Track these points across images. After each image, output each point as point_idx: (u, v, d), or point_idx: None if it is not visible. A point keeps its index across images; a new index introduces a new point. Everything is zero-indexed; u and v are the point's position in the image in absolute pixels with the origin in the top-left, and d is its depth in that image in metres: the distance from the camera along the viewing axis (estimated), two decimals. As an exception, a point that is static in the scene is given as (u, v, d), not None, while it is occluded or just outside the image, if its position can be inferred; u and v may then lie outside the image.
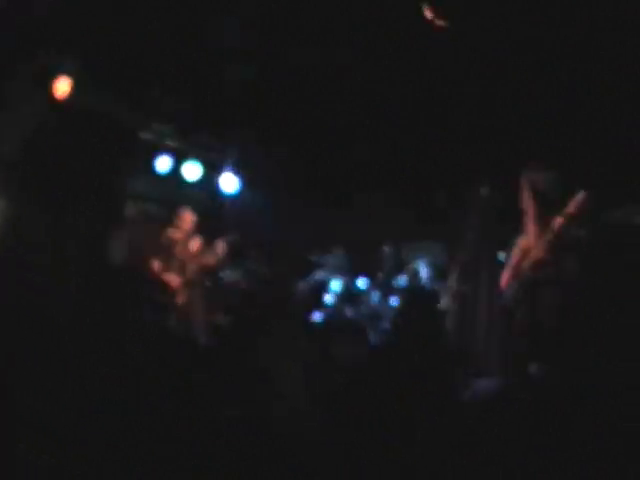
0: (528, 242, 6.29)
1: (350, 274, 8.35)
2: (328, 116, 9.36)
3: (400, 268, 8.19)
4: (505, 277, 6.46)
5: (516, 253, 6.46)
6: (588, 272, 5.63)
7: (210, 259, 7.82)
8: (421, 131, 9.35)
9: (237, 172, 9.71)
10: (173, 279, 7.51)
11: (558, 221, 5.86)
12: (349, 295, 8.32)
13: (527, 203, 6.26)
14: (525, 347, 6.21)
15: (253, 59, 7.63)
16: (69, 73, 6.86)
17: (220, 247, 7.84)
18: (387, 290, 7.92)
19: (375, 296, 7.90)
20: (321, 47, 7.35)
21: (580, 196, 5.77)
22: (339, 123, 9.46)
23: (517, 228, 6.46)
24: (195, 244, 7.85)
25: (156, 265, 7.41)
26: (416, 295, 4.45)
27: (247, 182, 9.94)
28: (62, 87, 6.81)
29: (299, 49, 7.40)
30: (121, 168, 7.20)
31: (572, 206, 5.81)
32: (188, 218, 7.81)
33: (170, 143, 8.74)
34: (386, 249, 8.16)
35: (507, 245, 6.72)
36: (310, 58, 7.58)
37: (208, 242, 7.94)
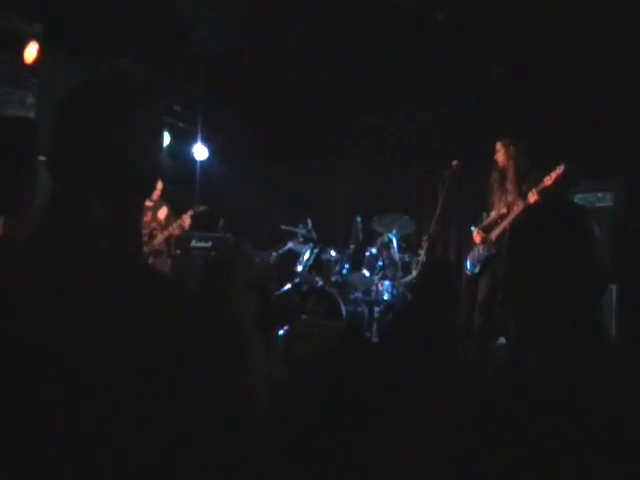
0: (498, 212, 6.33)
1: (320, 244, 8.34)
2: (303, 89, 9.34)
3: (370, 239, 8.21)
4: (475, 241, 6.49)
5: (486, 222, 6.52)
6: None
7: (177, 229, 7.76)
8: (395, 102, 9.38)
9: (206, 141, 9.66)
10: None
11: (533, 193, 5.85)
12: (319, 265, 8.32)
13: (499, 171, 6.28)
14: (484, 320, 6.28)
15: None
16: (36, 38, 6.77)
17: (188, 217, 7.78)
18: (357, 261, 7.93)
19: (345, 267, 7.91)
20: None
21: (559, 169, 5.74)
22: (314, 91, 9.44)
23: (489, 201, 6.50)
24: (162, 212, 7.80)
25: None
26: (437, 267, 4.32)
27: (217, 151, 9.90)
28: (31, 52, 6.73)
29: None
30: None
31: (549, 179, 5.78)
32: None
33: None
34: (357, 220, 8.16)
35: (478, 218, 6.77)
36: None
37: (176, 210, 7.89)
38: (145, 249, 7.53)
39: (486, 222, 6.52)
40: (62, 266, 1.18)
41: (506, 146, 6.23)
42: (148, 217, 7.72)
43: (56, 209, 1.25)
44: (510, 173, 6.19)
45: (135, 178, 1.37)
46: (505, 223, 6.12)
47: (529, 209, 2.76)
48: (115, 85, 1.41)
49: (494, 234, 6.29)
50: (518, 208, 5.96)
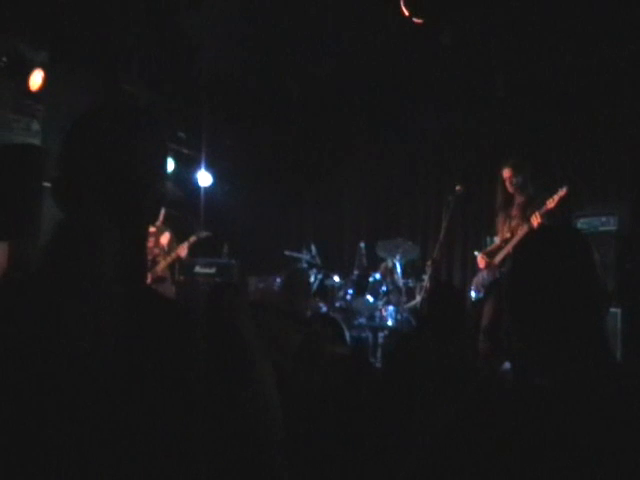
0: (501, 237, 6.33)
1: (324, 270, 8.34)
2: (307, 114, 9.39)
3: (374, 265, 8.21)
4: (479, 266, 6.49)
5: (491, 247, 6.52)
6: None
7: (174, 257, 7.72)
8: (399, 127, 9.42)
9: (210, 167, 9.70)
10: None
11: (536, 216, 5.85)
12: (323, 291, 8.32)
13: (503, 196, 6.27)
14: (489, 344, 6.25)
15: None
16: (42, 65, 6.84)
17: (186, 246, 7.74)
18: (361, 286, 7.92)
19: (349, 292, 7.90)
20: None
21: (561, 192, 5.75)
22: (318, 118, 9.49)
23: (493, 226, 6.50)
24: (165, 238, 7.80)
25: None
26: (444, 291, 4.35)
27: (221, 177, 9.93)
28: (36, 79, 6.79)
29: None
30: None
31: (552, 201, 5.78)
32: None
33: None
34: (361, 245, 8.16)
35: (482, 242, 6.77)
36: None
37: (179, 237, 7.90)
38: (150, 275, 7.53)
39: (490, 247, 6.52)
40: (74, 295, 1.18)
41: (511, 171, 6.21)
42: (151, 243, 7.71)
43: (65, 238, 1.24)
44: (515, 198, 6.17)
45: (142, 205, 1.37)
46: (509, 247, 6.11)
47: (531, 232, 2.78)
48: (122, 111, 1.41)
49: (497, 258, 6.28)
50: (522, 232, 5.95)
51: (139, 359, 1.20)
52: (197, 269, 8.73)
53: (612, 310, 6.03)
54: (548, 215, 5.78)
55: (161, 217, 7.71)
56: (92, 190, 1.29)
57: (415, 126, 9.23)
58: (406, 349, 4.03)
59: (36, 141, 7.02)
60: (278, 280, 8.51)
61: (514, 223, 6.18)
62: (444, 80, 7.95)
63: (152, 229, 7.71)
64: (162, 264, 7.66)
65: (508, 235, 6.21)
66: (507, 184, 6.20)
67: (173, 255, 7.70)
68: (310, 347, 5.00)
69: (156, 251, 7.70)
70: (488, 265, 6.36)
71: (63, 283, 1.17)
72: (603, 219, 6.62)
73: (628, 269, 6.33)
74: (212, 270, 8.73)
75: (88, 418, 1.15)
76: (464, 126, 8.86)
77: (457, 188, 6.83)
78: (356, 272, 8.05)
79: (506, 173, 6.22)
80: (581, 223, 6.63)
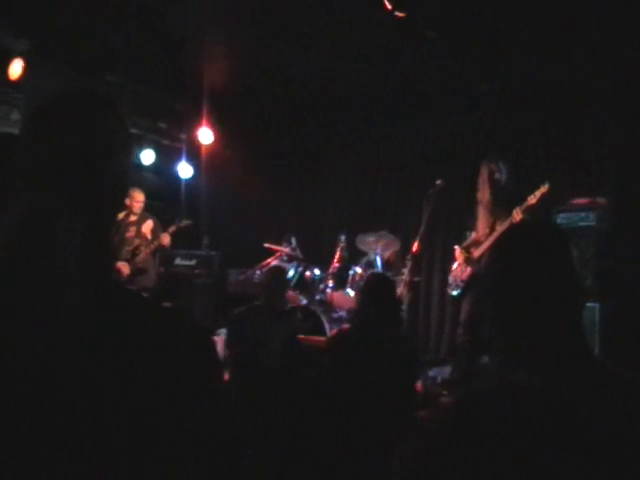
0: (481, 232, 6.34)
1: (304, 262, 8.34)
2: (288, 106, 9.37)
3: (355, 258, 8.22)
4: (456, 258, 6.52)
5: (468, 242, 6.53)
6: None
7: (157, 246, 7.68)
8: (380, 121, 9.42)
9: (191, 158, 9.67)
10: (123, 266, 7.42)
11: (517, 212, 5.88)
12: (303, 283, 8.32)
13: (484, 191, 6.27)
14: (468, 338, 6.29)
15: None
16: (22, 54, 6.78)
17: (167, 235, 7.71)
18: (341, 279, 7.94)
19: (329, 285, 7.91)
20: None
21: (543, 188, 5.77)
22: (300, 109, 9.47)
23: (473, 220, 6.52)
24: (147, 226, 7.75)
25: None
26: (377, 282, 4.43)
27: (201, 169, 9.90)
28: (16, 68, 6.73)
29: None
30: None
31: (534, 197, 5.81)
32: (139, 197, 7.69)
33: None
34: (341, 238, 8.17)
35: (462, 237, 6.78)
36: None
37: (162, 228, 7.86)
38: (130, 266, 7.49)
39: (467, 242, 6.53)
40: (30, 286, 1.14)
41: (490, 166, 6.23)
42: (132, 233, 7.67)
43: (22, 226, 1.19)
44: (496, 194, 6.18)
45: (103, 192, 1.33)
46: (488, 242, 6.13)
47: (512, 228, 2.78)
48: (82, 97, 1.37)
49: (477, 253, 6.30)
50: (502, 227, 5.97)
51: (103, 354, 1.18)
52: (177, 261, 8.71)
53: (591, 305, 6.08)
54: (529, 211, 5.81)
55: (140, 204, 7.69)
56: (50, 177, 1.25)
57: (397, 120, 9.25)
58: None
59: (15, 130, 6.97)
60: (258, 273, 8.52)
61: (494, 219, 6.20)
62: (427, 74, 7.95)
63: (133, 218, 7.68)
64: (143, 254, 7.61)
65: (487, 230, 6.23)
66: (488, 179, 6.22)
67: (156, 243, 7.65)
68: (293, 344, 5.05)
69: (137, 241, 7.65)
70: (466, 259, 6.38)
71: (20, 274, 1.14)
72: (583, 214, 6.66)
73: (607, 264, 6.38)
74: (192, 262, 8.71)
75: (49, 417, 1.12)
76: (446, 120, 8.88)
77: (438, 182, 6.85)
78: (336, 265, 8.06)
79: (487, 168, 6.24)
80: (561, 218, 6.66)
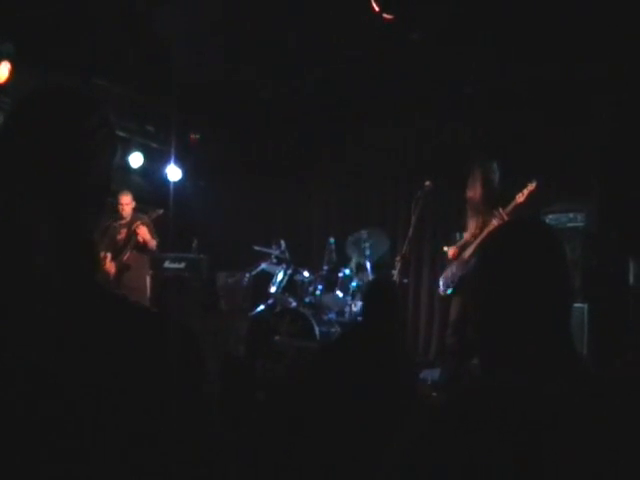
0: (471, 232, 6.35)
1: (293, 265, 8.32)
2: (276, 109, 9.36)
3: (344, 260, 8.20)
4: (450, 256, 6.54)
5: (459, 243, 6.54)
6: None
7: (140, 233, 7.59)
8: (368, 123, 9.42)
9: (180, 161, 9.64)
10: (110, 266, 7.42)
11: (505, 211, 5.90)
12: (292, 286, 8.30)
13: (475, 190, 6.29)
14: (457, 339, 6.30)
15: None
16: (9, 57, 6.75)
17: (140, 224, 7.63)
18: (331, 282, 7.92)
19: (319, 287, 7.90)
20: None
21: (530, 186, 5.81)
22: (288, 113, 9.47)
23: (462, 221, 6.53)
24: (142, 230, 7.72)
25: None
26: (381, 286, 4.41)
27: (190, 172, 9.88)
28: (2, 72, 6.70)
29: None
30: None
31: (522, 196, 5.84)
32: (127, 199, 7.67)
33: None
34: (330, 241, 8.15)
35: (451, 238, 6.80)
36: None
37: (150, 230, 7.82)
38: (115, 264, 7.49)
39: (459, 243, 6.54)
40: (4, 287, 1.12)
41: (479, 167, 6.26)
42: (122, 235, 7.66)
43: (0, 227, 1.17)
44: (483, 194, 6.20)
45: (85, 192, 1.30)
46: (477, 242, 6.14)
47: (499, 227, 2.80)
48: (63, 95, 1.35)
49: (467, 253, 6.31)
50: (491, 227, 5.99)
51: (84, 357, 1.16)
52: (166, 264, 8.68)
53: (579, 305, 6.10)
54: (517, 209, 5.85)
55: (129, 207, 7.68)
56: (28, 175, 1.23)
57: (385, 122, 9.26)
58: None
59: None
60: (247, 275, 8.51)
61: (483, 219, 6.21)
62: (413, 75, 7.96)
63: (122, 221, 7.66)
64: (128, 252, 7.59)
65: (477, 231, 6.25)
66: (481, 179, 6.24)
67: (136, 238, 7.60)
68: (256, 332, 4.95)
69: (121, 242, 7.63)
70: (459, 257, 6.39)
71: None
72: (570, 215, 6.70)
73: (595, 265, 6.40)
74: (181, 265, 8.68)
75: (26, 421, 1.11)
76: (433, 122, 8.90)
77: (426, 184, 6.85)
78: (325, 267, 8.05)
79: (482, 168, 6.26)
80: (549, 219, 6.69)
